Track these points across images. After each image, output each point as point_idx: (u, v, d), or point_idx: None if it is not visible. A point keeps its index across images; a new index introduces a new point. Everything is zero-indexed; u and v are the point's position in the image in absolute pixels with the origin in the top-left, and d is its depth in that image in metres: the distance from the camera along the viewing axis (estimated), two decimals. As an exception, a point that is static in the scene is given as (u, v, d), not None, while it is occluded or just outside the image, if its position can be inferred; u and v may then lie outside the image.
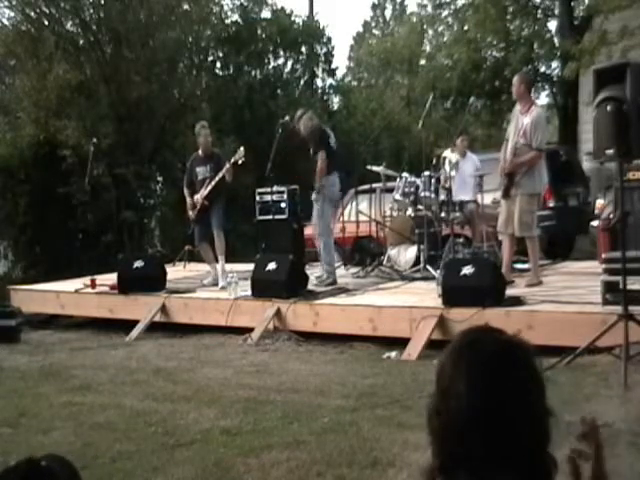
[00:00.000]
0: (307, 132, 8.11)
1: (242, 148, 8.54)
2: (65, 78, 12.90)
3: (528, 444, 1.34)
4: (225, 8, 17.69)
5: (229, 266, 8.80)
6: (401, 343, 6.23)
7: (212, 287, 8.58)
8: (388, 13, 39.29)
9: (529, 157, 7.09)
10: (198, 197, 8.61)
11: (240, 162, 8.47)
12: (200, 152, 8.77)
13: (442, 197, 8.64)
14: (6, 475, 1.39)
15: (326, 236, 8.14)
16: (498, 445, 1.32)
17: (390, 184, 9.36)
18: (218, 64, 18.13)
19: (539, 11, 19.32)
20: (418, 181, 8.73)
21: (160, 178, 14.68)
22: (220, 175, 8.38)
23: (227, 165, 8.38)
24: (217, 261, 8.68)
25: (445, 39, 24.07)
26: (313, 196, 8.08)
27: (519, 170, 7.11)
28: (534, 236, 7.27)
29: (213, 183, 8.45)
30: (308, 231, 9.29)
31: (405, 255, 8.87)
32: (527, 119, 7.09)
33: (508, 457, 1.32)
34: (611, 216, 7.90)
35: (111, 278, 8.72)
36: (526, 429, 1.34)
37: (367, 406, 4.75)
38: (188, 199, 8.77)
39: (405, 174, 8.98)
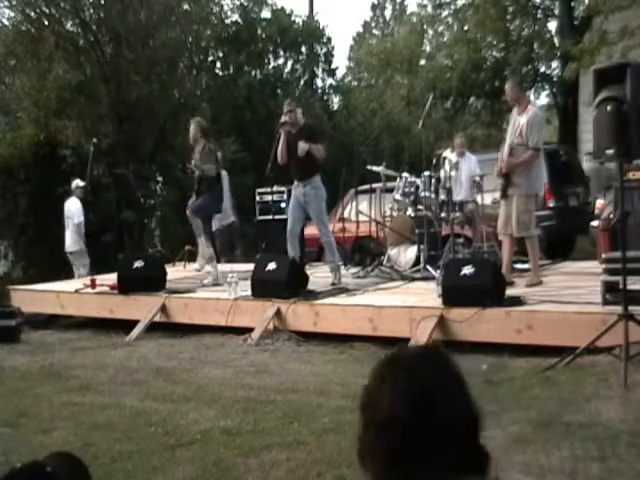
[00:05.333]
0: (310, 121, 8.05)
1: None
2: (65, 78, 12.91)
3: (459, 440, 1.34)
4: (225, 8, 17.76)
5: (229, 266, 8.80)
6: (401, 343, 6.23)
7: (212, 287, 8.58)
8: (388, 13, 39.38)
9: (526, 157, 7.07)
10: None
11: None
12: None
13: (442, 197, 8.64)
14: (9, 478, 1.36)
15: (329, 235, 8.16)
16: (429, 450, 1.33)
17: (390, 184, 9.36)
18: (218, 64, 18.16)
19: (539, 11, 19.34)
20: (418, 181, 8.73)
21: (160, 178, 14.67)
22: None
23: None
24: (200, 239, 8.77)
25: (445, 39, 24.14)
26: (302, 188, 7.99)
27: (516, 170, 7.10)
28: (533, 236, 7.26)
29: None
30: (308, 231, 9.29)
31: (405, 255, 8.86)
32: (524, 119, 7.08)
33: (440, 456, 1.33)
34: (611, 216, 7.90)
35: (111, 278, 8.71)
36: (457, 427, 1.35)
37: (367, 406, 4.74)
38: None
39: (405, 174, 8.98)
